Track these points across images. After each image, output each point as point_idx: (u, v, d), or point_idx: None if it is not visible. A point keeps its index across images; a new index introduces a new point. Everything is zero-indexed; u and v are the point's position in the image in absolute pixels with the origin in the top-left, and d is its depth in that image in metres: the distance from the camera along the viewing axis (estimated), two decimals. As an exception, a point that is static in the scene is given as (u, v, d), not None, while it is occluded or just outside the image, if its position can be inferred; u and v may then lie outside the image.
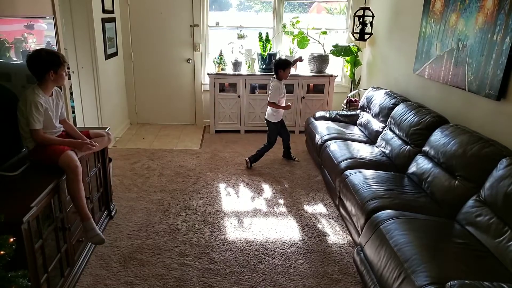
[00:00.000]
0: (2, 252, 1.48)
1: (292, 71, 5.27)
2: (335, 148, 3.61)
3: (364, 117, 4.35)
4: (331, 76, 5.29)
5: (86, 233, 2.37)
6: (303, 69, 5.44)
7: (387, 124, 3.78)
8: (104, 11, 4.50)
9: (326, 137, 3.94)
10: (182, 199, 3.47)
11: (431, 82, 3.64)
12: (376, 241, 2.23)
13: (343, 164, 3.27)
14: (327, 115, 4.64)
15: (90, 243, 2.67)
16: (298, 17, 5.32)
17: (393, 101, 3.86)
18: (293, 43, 5.32)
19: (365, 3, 5.05)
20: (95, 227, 2.36)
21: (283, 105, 4.15)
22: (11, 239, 1.53)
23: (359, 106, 4.72)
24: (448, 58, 3.31)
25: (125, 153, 4.52)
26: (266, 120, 4.26)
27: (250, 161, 4.22)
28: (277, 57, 5.33)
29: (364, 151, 3.53)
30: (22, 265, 1.74)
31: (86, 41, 4.21)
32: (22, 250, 1.75)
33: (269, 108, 4.17)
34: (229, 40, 5.42)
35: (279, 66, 4.03)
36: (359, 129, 4.32)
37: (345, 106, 5.20)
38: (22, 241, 1.74)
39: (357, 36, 4.96)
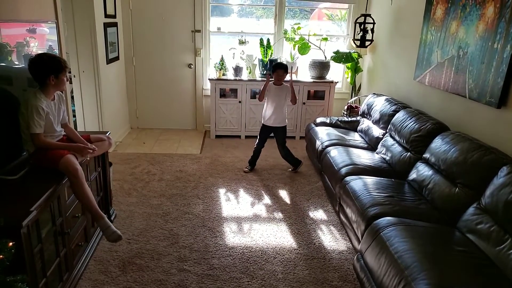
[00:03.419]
0: (1, 256, 1.47)
1: (293, 76, 5.32)
2: (336, 154, 3.61)
3: (365, 123, 4.36)
4: (332, 82, 5.30)
5: (102, 232, 2.37)
6: (304, 75, 5.46)
7: (387, 130, 3.78)
8: (106, 15, 4.52)
9: (326, 143, 3.94)
10: (182, 204, 3.46)
11: (432, 89, 3.64)
12: (376, 248, 2.22)
13: (343, 170, 3.27)
14: (328, 121, 4.65)
15: (89, 248, 2.66)
16: (299, 23, 5.35)
17: (393, 107, 3.86)
18: (294, 49, 5.34)
19: (366, 10, 5.07)
20: (111, 225, 2.34)
21: (267, 110, 4.15)
22: (10, 243, 1.52)
23: (359, 113, 4.73)
24: (448, 65, 3.32)
25: (125, 158, 4.51)
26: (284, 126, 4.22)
27: (294, 166, 4.30)
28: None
29: (365, 158, 3.53)
30: (21, 270, 1.73)
31: (88, 45, 4.23)
32: (21, 255, 1.74)
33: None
34: (230, 46, 5.44)
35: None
36: (360, 135, 4.32)
37: (345, 112, 5.20)
38: (21, 245, 1.73)
39: (358, 42, 4.98)
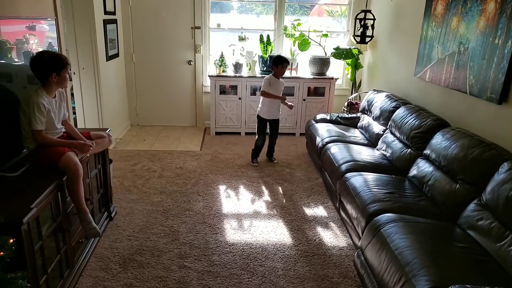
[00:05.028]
0: (1, 253, 1.47)
1: (293, 73, 5.31)
2: (336, 151, 3.61)
3: (365, 120, 4.35)
4: (332, 78, 5.29)
5: (82, 227, 2.40)
6: (304, 71, 5.45)
7: (388, 127, 3.77)
8: (105, 12, 4.51)
9: (326, 140, 3.93)
10: (182, 201, 3.46)
11: (432, 85, 3.64)
12: (377, 245, 2.22)
13: (343, 167, 3.26)
14: (328, 117, 4.64)
15: (90, 245, 2.67)
16: (299, 19, 5.33)
17: (394, 104, 3.85)
18: (294, 45, 5.32)
19: (366, 6, 5.05)
20: (92, 221, 2.38)
21: (267, 103, 4.15)
22: (11, 240, 1.52)
23: (360, 109, 4.72)
24: (449, 61, 3.31)
25: (125, 155, 4.51)
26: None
27: (252, 159, 4.37)
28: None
29: (365, 154, 3.53)
30: (21, 267, 1.73)
31: (87, 42, 4.22)
32: (21, 251, 1.74)
33: (260, 102, 4.23)
34: (230, 42, 5.43)
35: (272, 63, 4.12)
36: (360, 131, 4.32)
37: (345, 109, 5.19)
38: (21, 242, 1.73)
39: (358, 39, 4.96)
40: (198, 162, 4.38)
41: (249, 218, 3.24)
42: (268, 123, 4.29)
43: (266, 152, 4.46)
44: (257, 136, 4.31)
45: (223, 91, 5.32)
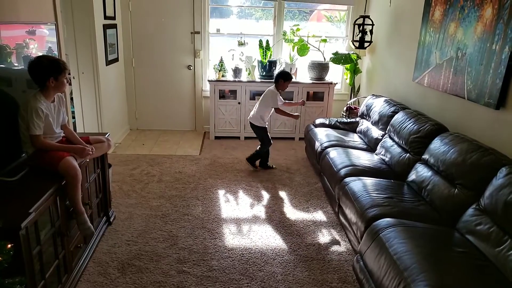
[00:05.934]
0: (-1, 258, 1.47)
1: (292, 78, 5.33)
2: (335, 155, 3.61)
3: (364, 124, 4.36)
4: (331, 83, 5.31)
5: (78, 227, 2.42)
6: (303, 76, 5.46)
7: (386, 131, 3.78)
8: (105, 17, 4.52)
9: (325, 144, 3.94)
10: (181, 206, 3.46)
11: (431, 90, 3.65)
12: (376, 249, 2.22)
13: (342, 172, 3.27)
14: (327, 122, 4.65)
15: (88, 250, 2.66)
16: (298, 24, 5.35)
17: (392, 109, 3.87)
18: (293, 50, 5.35)
19: (365, 11, 5.08)
20: (87, 221, 2.40)
21: (270, 114, 4.21)
22: (9, 245, 1.52)
23: (358, 114, 4.73)
24: (447, 66, 3.33)
25: (124, 159, 4.51)
26: (251, 122, 4.28)
27: (252, 164, 4.31)
28: (277, 64, 5.36)
29: (364, 159, 3.53)
30: (19, 272, 1.73)
31: (87, 47, 4.23)
32: (19, 256, 1.73)
33: (255, 111, 4.20)
34: (229, 47, 5.45)
35: (281, 76, 4.09)
36: (359, 136, 4.32)
37: (344, 114, 5.21)
38: (20, 247, 1.73)
39: (356, 44, 4.99)
40: (197, 167, 4.38)
41: (248, 223, 3.23)
42: None
43: (261, 161, 4.37)
44: (264, 144, 4.27)
45: (222, 95, 5.33)
